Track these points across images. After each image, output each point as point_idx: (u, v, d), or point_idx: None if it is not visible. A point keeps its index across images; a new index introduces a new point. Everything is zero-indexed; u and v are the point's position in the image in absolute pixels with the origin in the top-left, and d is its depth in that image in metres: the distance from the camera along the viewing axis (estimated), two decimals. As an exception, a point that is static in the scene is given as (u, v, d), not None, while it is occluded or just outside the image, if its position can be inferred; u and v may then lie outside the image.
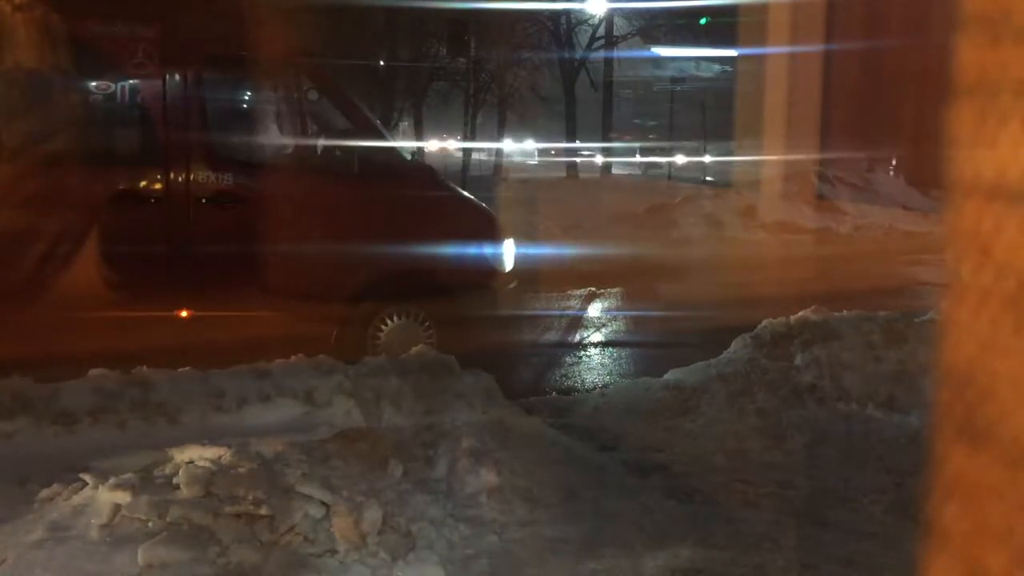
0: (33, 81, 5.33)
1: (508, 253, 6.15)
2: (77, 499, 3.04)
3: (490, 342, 5.97)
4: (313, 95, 6.04)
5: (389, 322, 5.79)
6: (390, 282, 5.81)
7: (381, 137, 6.18)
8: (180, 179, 5.43)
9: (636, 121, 36.23)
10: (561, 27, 25.49)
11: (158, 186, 5.46)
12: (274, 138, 6.00)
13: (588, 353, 7.24)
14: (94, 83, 5.49)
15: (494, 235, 6.13)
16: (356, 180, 5.82)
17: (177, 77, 5.48)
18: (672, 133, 29.02)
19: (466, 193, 6.53)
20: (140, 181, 5.50)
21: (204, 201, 5.45)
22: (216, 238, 5.46)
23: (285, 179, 5.62)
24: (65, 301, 5.23)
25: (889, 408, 4.77)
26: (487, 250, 6.06)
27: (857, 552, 3.35)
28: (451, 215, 6.13)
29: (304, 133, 6.22)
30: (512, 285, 6.22)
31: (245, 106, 6.25)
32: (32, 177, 5.24)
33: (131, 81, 5.49)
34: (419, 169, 6.46)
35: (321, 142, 6.21)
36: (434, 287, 5.82)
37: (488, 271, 6.04)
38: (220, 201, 5.48)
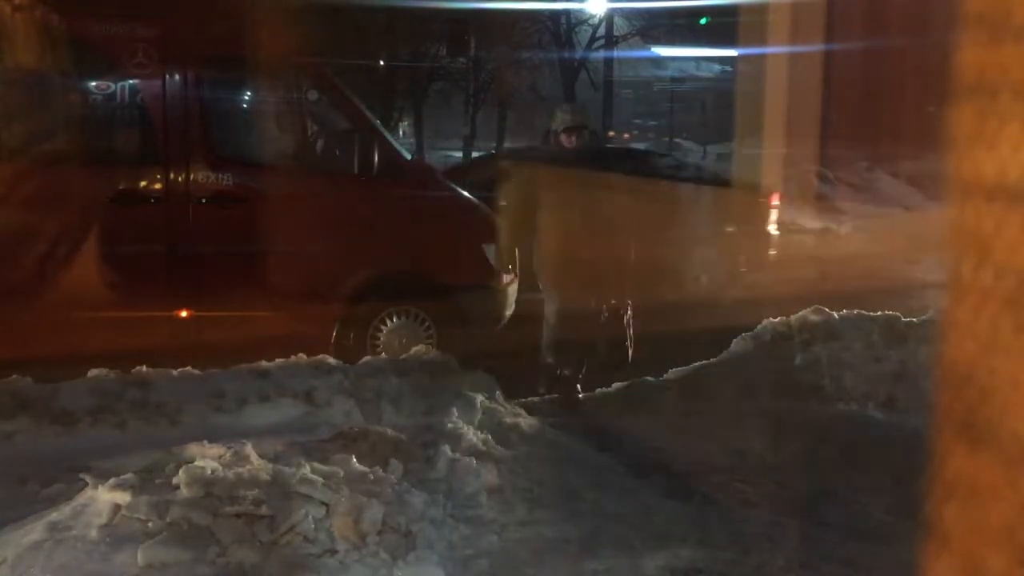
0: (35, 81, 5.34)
1: None
2: (77, 499, 3.04)
3: (490, 342, 5.96)
4: (313, 95, 6.04)
5: (389, 323, 5.78)
6: (390, 283, 5.81)
7: (381, 137, 6.19)
8: (179, 179, 5.44)
9: (636, 121, 36.21)
10: (561, 27, 25.50)
11: (158, 186, 5.47)
12: (274, 138, 5.99)
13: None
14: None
15: (494, 235, 6.13)
16: (355, 180, 5.81)
17: (178, 77, 5.48)
18: (672, 132, 29.00)
19: (466, 193, 6.53)
20: (142, 182, 5.51)
21: (203, 201, 5.45)
22: (217, 238, 5.46)
23: (285, 180, 5.62)
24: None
25: (889, 408, 4.77)
26: (485, 249, 6.06)
27: (857, 552, 3.35)
28: (451, 215, 6.12)
29: (304, 133, 6.21)
30: (512, 285, 6.21)
31: (244, 106, 6.25)
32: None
33: (132, 81, 5.49)
34: (419, 169, 6.45)
35: (320, 142, 6.21)
36: (434, 288, 5.81)
37: (487, 271, 6.04)
38: (220, 201, 5.48)
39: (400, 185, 5.90)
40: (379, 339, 5.75)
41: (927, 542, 0.70)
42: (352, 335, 5.70)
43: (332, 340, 5.63)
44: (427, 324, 5.81)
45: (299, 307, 5.58)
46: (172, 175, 5.43)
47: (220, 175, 5.50)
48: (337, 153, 6.07)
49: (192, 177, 5.44)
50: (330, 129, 6.22)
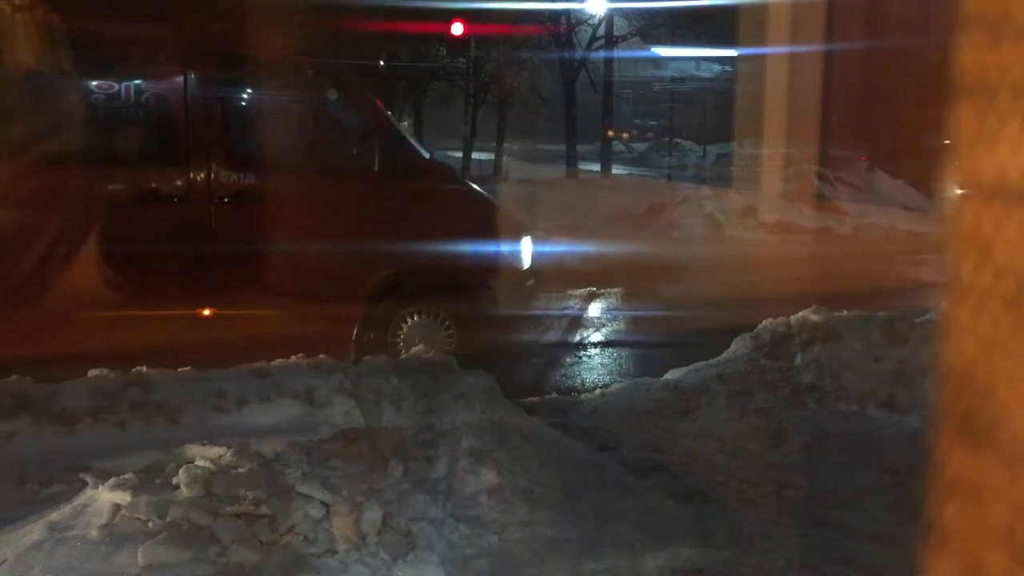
0: None
1: (526, 251, 6.15)
2: (77, 499, 3.04)
3: (507, 341, 5.98)
4: (333, 95, 6.04)
5: (409, 321, 5.77)
6: (409, 281, 5.81)
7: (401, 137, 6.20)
8: (199, 178, 5.44)
9: (636, 121, 36.22)
10: (561, 27, 25.48)
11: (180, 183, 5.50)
12: (297, 138, 5.99)
13: (589, 353, 7.24)
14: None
15: (510, 233, 6.13)
16: (376, 179, 5.82)
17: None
18: (672, 132, 29.02)
19: (482, 190, 6.54)
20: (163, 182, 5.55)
21: (225, 200, 5.45)
22: (237, 237, 5.48)
23: (310, 180, 5.63)
24: None
25: (889, 408, 4.77)
26: (504, 248, 6.05)
27: (857, 552, 3.35)
28: (468, 213, 6.12)
29: (326, 133, 6.21)
30: (530, 283, 6.21)
31: (266, 107, 6.24)
32: None
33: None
34: (438, 168, 6.45)
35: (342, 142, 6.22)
36: (453, 285, 5.82)
37: (505, 268, 6.03)
38: (240, 200, 5.48)
39: (419, 184, 5.91)
40: (399, 338, 5.75)
41: (927, 542, 0.70)
42: (372, 334, 5.71)
43: (352, 338, 5.65)
44: (446, 323, 5.81)
45: (318, 306, 5.60)
46: (193, 175, 5.44)
47: (241, 174, 5.51)
48: (358, 152, 6.08)
49: (215, 177, 5.46)
50: (352, 129, 6.21)
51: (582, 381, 6.33)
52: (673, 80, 29.85)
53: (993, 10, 0.64)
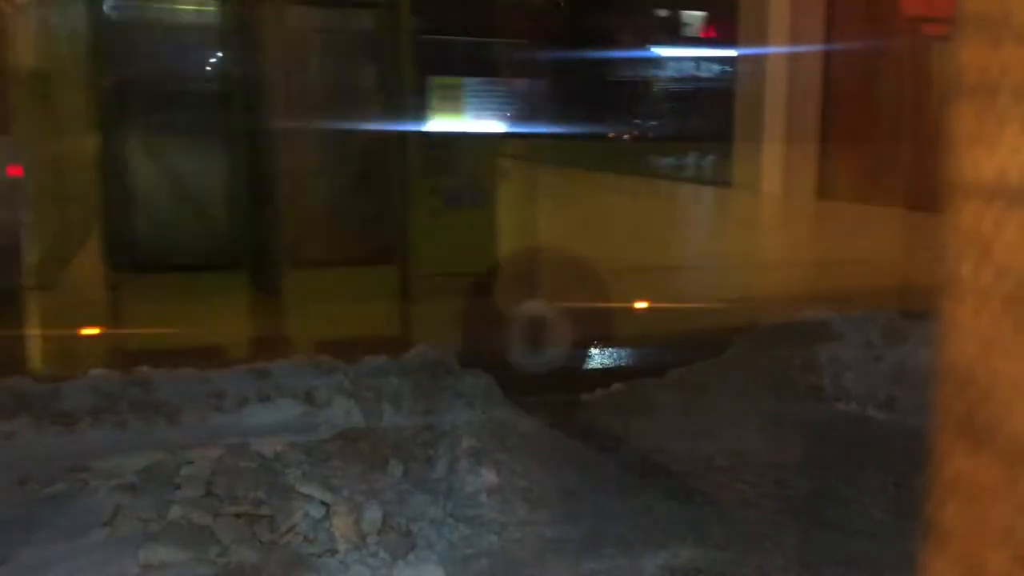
0: None
1: None
2: (77, 499, 3.04)
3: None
4: None
5: None
6: None
7: None
8: None
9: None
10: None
11: None
12: None
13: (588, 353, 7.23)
14: None
15: None
16: None
17: None
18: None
19: None
20: None
21: None
22: None
23: None
24: None
25: (889, 408, 4.77)
26: None
27: (857, 552, 3.35)
28: None
29: None
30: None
31: None
32: None
33: None
34: None
35: None
36: None
37: None
38: None
39: None
40: None
41: (927, 542, 0.70)
42: None
43: None
44: None
45: None
46: None
47: None
48: None
49: None
50: None
51: (580, 381, 6.32)
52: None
53: (993, 11, 0.64)
